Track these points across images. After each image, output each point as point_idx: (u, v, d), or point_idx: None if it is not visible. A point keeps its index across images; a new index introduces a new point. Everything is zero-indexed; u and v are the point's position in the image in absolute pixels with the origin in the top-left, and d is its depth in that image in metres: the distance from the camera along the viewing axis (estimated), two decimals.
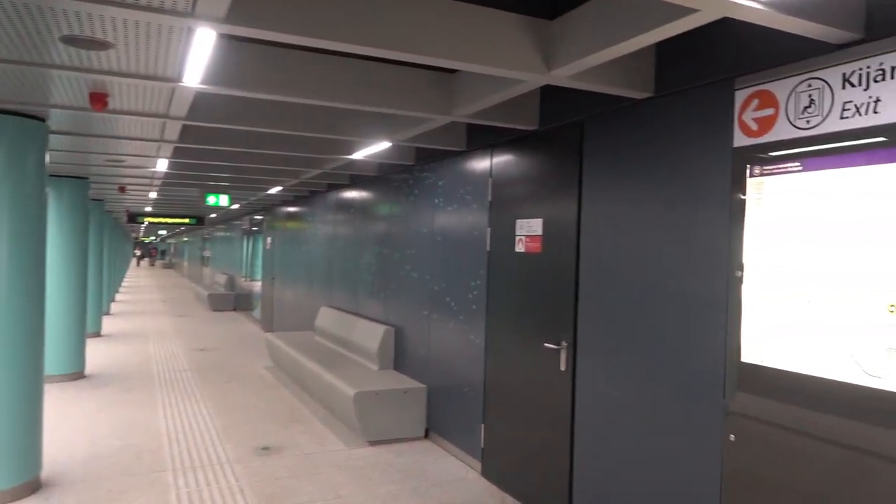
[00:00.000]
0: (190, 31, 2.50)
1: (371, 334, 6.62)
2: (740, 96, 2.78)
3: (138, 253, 57.49)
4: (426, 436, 5.74)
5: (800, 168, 2.51)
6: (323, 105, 4.41)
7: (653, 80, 3.28)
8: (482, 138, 4.89)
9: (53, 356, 7.80)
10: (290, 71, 3.47)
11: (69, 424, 5.91)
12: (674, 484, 3.08)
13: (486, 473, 4.73)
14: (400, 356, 6.32)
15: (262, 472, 4.75)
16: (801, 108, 2.51)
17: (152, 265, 54.09)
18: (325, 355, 7.22)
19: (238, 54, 3.32)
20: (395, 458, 5.15)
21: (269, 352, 9.15)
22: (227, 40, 3.29)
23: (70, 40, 2.66)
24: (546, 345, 4.03)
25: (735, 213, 2.78)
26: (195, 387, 7.63)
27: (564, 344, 3.88)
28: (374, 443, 5.54)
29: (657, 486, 3.18)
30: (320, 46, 2.63)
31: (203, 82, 3.23)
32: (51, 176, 7.87)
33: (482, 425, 4.80)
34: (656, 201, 3.24)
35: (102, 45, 2.70)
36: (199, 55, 2.78)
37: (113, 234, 17.68)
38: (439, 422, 5.52)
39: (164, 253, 62.83)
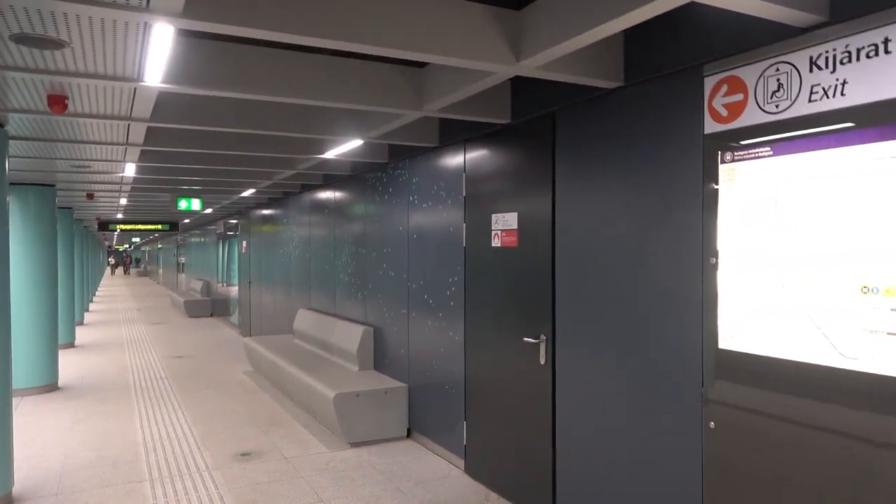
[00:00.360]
0: (147, 26, 2.42)
1: (350, 335, 6.55)
2: (709, 83, 2.77)
3: (112, 261, 56.56)
4: (408, 435, 5.69)
5: (770, 153, 2.51)
6: (292, 103, 4.34)
7: (622, 69, 3.26)
8: (455, 133, 4.85)
9: (24, 369, 7.61)
10: (256, 68, 3.40)
11: (42, 438, 5.76)
12: (656, 473, 3.07)
13: (470, 471, 4.70)
14: (380, 356, 6.26)
15: (242, 479, 4.67)
16: (770, 92, 2.51)
17: (126, 273, 53.21)
18: (304, 358, 7.13)
19: (202, 52, 3.24)
20: (378, 459, 5.09)
21: (247, 356, 9.03)
22: (190, 38, 3.21)
23: (22, 39, 2.57)
24: (525, 339, 4.01)
25: (708, 199, 2.77)
26: (173, 395, 7.50)
27: (543, 338, 3.86)
28: (355, 444, 5.48)
29: (639, 475, 3.17)
30: (286, 41, 2.56)
31: (165, 81, 3.14)
32: (15, 184, 7.67)
33: (464, 422, 4.77)
34: (629, 191, 3.23)
35: (57, 44, 2.61)
36: (158, 52, 2.70)
37: (84, 242, 17.36)
38: (421, 421, 5.48)
39: (138, 261, 61.96)
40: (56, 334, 8.03)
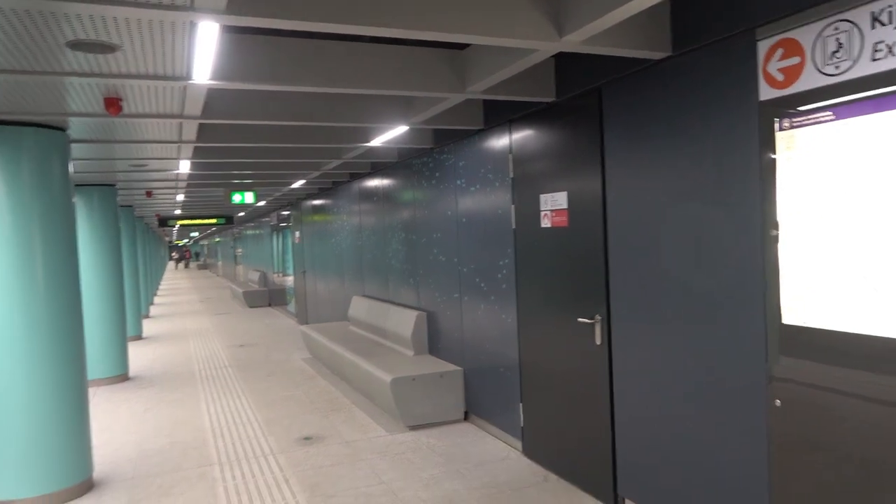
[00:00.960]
0: (192, 25, 2.47)
1: (404, 320, 6.62)
2: (763, 47, 2.65)
3: (175, 256, 58.34)
4: (465, 418, 5.73)
5: (832, 117, 2.39)
6: (336, 93, 4.37)
7: (669, 38, 3.15)
8: (499, 114, 4.80)
9: (98, 360, 8.00)
10: (299, 60, 3.43)
11: (118, 425, 6.06)
12: (719, 453, 3.00)
13: (528, 452, 4.70)
14: (434, 340, 6.31)
15: (306, 462, 4.80)
16: (829, 53, 2.38)
17: (186, 267, 55.03)
18: (360, 344, 7.25)
19: (246, 47, 3.29)
20: (436, 442, 5.15)
21: (305, 344, 9.24)
22: (234, 34, 3.27)
23: (77, 45, 2.66)
24: (579, 319, 3.96)
25: (765, 169, 2.67)
26: (236, 382, 7.75)
27: (598, 317, 3.81)
28: (414, 427, 5.55)
29: (702, 455, 3.11)
30: (326, 31, 2.58)
31: (213, 78, 3.21)
32: (78, 185, 8.02)
33: (520, 404, 4.77)
34: (682, 164, 3.13)
35: (109, 48, 2.70)
36: (204, 50, 2.76)
37: (146, 238, 18.03)
38: (478, 403, 5.50)
39: (198, 255, 63.99)
40: (125, 327, 8.40)
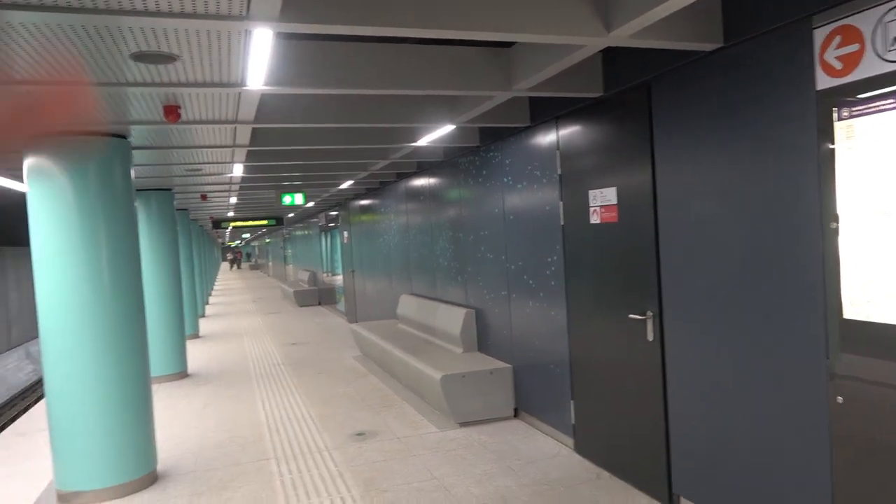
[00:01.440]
0: (248, 33, 2.56)
1: (452, 318, 6.67)
2: (820, 35, 2.58)
3: (230, 257, 59.55)
4: (515, 415, 5.74)
5: (894, 105, 2.31)
6: (383, 94, 4.44)
7: (721, 29, 3.09)
8: (546, 111, 4.79)
9: (158, 358, 8.31)
10: (347, 64, 3.50)
11: (179, 421, 6.29)
12: (779, 451, 2.94)
13: (580, 449, 4.68)
14: (483, 338, 6.33)
15: (360, 458, 4.89)
16: (891, 39, 2.30)
17: (238, 267, 56.29)
18: (409, 342, 7.33)
19: (295, 52, 3.38)
20: (487, 438, 5.18)
21: (355, 342, 9.39)
22: (284, 40, 3.36)
23: (140, 57, 2.78)
24: (631, 316, 3.92)
25: (824, 160, 2.60)
26: (290, 379, 7.94)
27: (650, 314, 3.77)
28: (464, 424, 5.59)
29: (761, 453, 3.05)
30: (375, 35, 2.63)
31: (266, 84, 3.31)
32: (138, 190, 8.33)
33: (571, 401, 4.75)
34: (735, 157, 3.07)
35: (169, 58, 2.81)
36: (258, 57, 2.85)
37: (200, 240, 18.58)
38: (528, 400, 5.50)
39: (249, 255, 65.55)
40: (183, 326, 8.69)
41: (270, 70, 3.30)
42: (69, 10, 2.16)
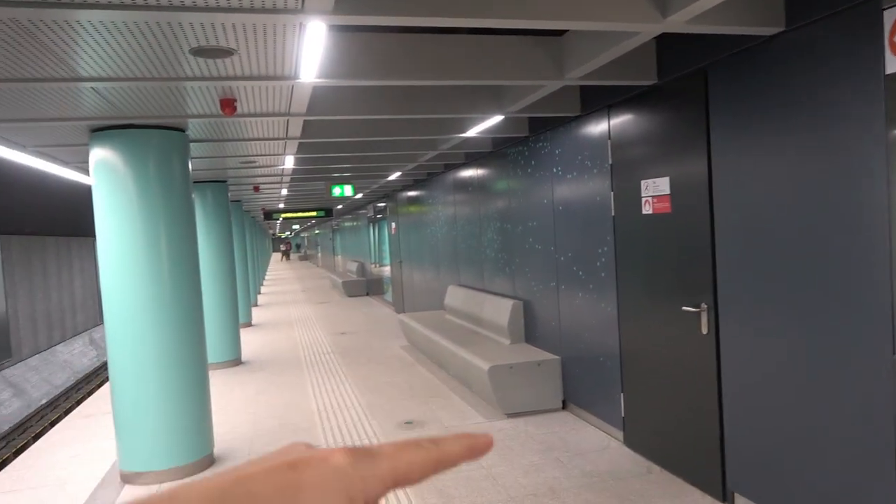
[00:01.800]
0: (302, 27, 2.60)
1: (500, 309, 6.66)
2: (890, 17, 2.46)
3: (283, 248, 59.90)
4: (564, 407, 5.71)
5: None
6: (433, 85, 4.45)
7: (783, 13, 2.98)
8: (598, 100, 4.71)
9: (214, 346, 8.56)
10: (398, 55, 3.52)
11: (233, 407, 6.48)
12: (843, 447, 2.84)
13: (630, 443, 4.63)
14: (531, 329, 6.31)
15: None
16: None
17: (288, 259, 56.92)
18: (456, 332, 7.36)
19: (346, 45, 3.42)
20: (535, 430, 5.17)
21: (403, 332, 9.48)
22: (335, 32, 3.39)
23: (199, 51, 2.86)
24: (684, 308, 3.85)
25: (893, 147, 2.48)
26: (339, 368, 8.08)
27: (704, 306, 3.69)
28: (512, 415, 5.59)
29: (823, 450, 2.95)
30: (426, 25, 2.64)
31: (318, 77, 3.35)
32: (194, 182, 8.58)
33: (621, 394, 4.69)
34: (797, 146, 2.97)
35: (226, 53, 2.88)
36: (312, 50, 2.89)
37: (253, 231, 19.02)
38: (576, 392, 5.46)
39: (298, 246, 66.63)
40: (237, 315, 8.94)
41: (322, 63, 3.35)
42: (134, 7, 2.23)
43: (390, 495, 4.04)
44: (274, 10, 2.35)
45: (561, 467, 4.35)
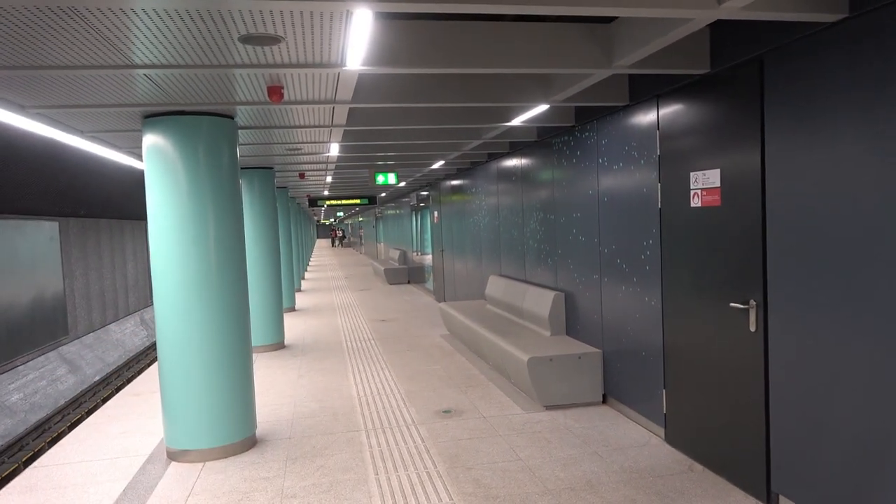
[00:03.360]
0: (349, 13, 2.60)
1: (541, 301, 6.61)
2: None
3: (339, 234, 58.95)
4: (604, 401, 5.64)
5: None
6: (478, 73, 4.41)
7: None
8: (646, 89, 4.60)
9: (258, 329, 8.75)
10: (443, 42, 3.50)
11: (275, 390, 6.61)
12: None
13: (671, 440, 4.54)
14: (572, 321, 6.24)
15: (445, 434, 4.97)
16: None
17: (342, 245, 56.32)
18: (497, 323, 7.34)
19: (392, 32, 3.41)
20: (573, 423, 5.12)
21: (443, 321, 9.51)
22: (379, 19, 3.39)
23: (247, 39, 2.89)
24: (731, 304, 3.74)
25: None
26: (379, 355, 8.16)
27: (753, 303, 3.58)
28: (550, 407, 5.55)
29: (879, 456, 2.84)
30: (474, 12, 2.60)
31: (363, 64, 3.36)
32: (242, 168, 8.74)
33: (664, 390, 4.60)
34: (862, 138, 2.83)
35: (274, 40, 2.91)
36: (358, 37, 2.89)
37: (298, 218, 19.32)
38: (617, 387, 5.39)
39: (343, 233, 67.10)
40: (281, 299, 9.10)
41: (368, 50, 3.35)
42: None
43: (426, 482, 4.07)
44: None
45: (599, 462, 4.30)
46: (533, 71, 3.70)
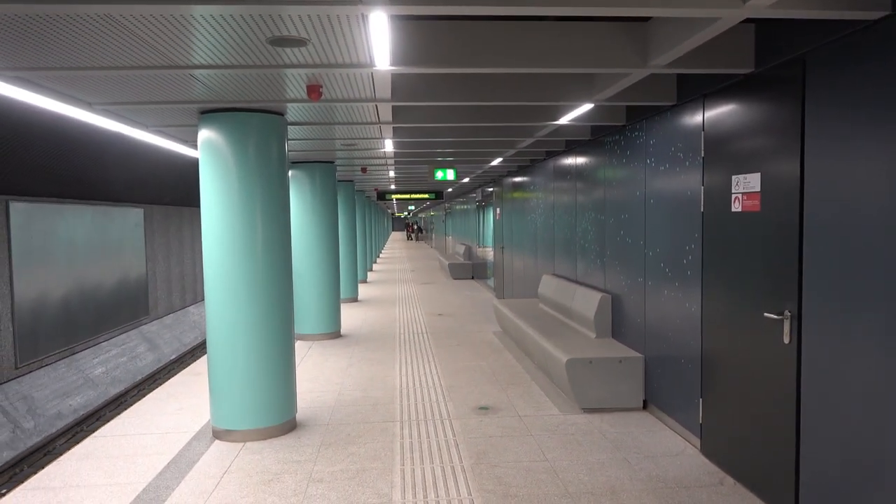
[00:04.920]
0: (364, 17, 2.68)
1: (588, 302, 6.52)
2: None
3: (416, 227, 58.49)
4: (644, 407, 5.52)
5: None
6: (519, 73, 4.40)
7: None
8: (693, 89, 4.46)
9: (315, 318, 9.04)
10: (475, 42, 3.53)
11: (324, 377, 6.84)
12: None
13: (706, 451, 4.41)
14: (617, 324, 6.13)
15: (477, 430, 5.01)
16: None
17: (417, 239, 55.87)
18: (544, 322, 7.30)
19: (426, 33, 3.47)
20: (609, 427, 5.05)
21: (496, 318, 9.53)
22: (411, 20, 3.45)
23: (276, 41, 3.03)
24: (766, 314, 3.60)
25: None
26: (429, 348, 8.27)
27: (787, 313, 3.43)
28: (588, 410, 5.49)
29: None
30: (485, 14, 2.62)
31: (393, 64, 3.43)
32: (304, 162, 9.04)
33: (700, 399, 4.47)
34: None
35: (301, 42, 3.02)
36: (379, 38, 2.97)
37: (366, 210, 19.73)
38: (657, 393, 5.27)
39: (417, 227, 67.61)
40: (338, 290, 9.36)
41: (400, 50, 3.42)
42: (226, 2, 2.40)
43: (449, 476, 4.13)
44: (333, 2, 2.45)
45: (627, 468, 4.23)
46: (569, 70, 3.67)
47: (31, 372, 10.92)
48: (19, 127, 9.44)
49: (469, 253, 19.44)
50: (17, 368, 10.55)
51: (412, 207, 41.19)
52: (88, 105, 4.44)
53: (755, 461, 3.79)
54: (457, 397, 5.97)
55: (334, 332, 9.25)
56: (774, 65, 3.53)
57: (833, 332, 3.10)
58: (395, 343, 8.69)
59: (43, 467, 7.17)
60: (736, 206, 3.95)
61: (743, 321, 3.88)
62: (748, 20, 3.68)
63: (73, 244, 12.46)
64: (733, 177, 3.97)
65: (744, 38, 3.73)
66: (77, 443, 8.28)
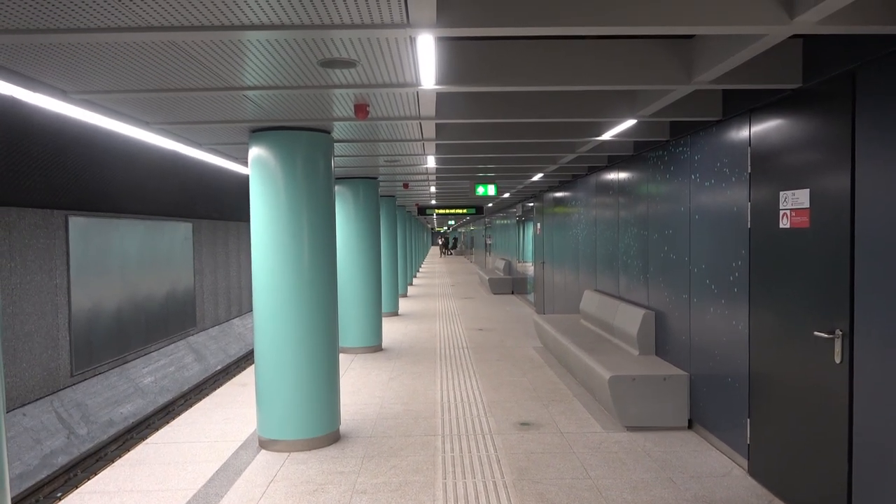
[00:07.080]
0: (412, 39, 2.76)
1: (631, 318, 6.46)
2: None
3: (442, 242, 58.96)
4: (689, 426, 5.43)
5: None
6: (561, 90, 4.44)
7: None
8: (739, 104, 4.43)
9: (357, 332, 9.16)
10: (520, 61, 3.59)
11: (366, 390, 6.92)
12: None
13: (754, 472, 4.32)
14: (661, 342, 6.06)
15: (519, 446, 5.00)
16: None
17: (450, 254, 56.16)
18: (586, 338, 7.25)
19: (469, 53, 3.54)
20: (653, 446, 4.98)
21: (537, 333, 9.49)
22: (456, 41, 3.53)
23: (327, 63, 3.14)
24: (816, 333, 3.52)
25: None
26: (470, 363, 8.29)
27: (839, 333, 3.35)
28: (631, 428, 5.43)
29: None
30: (530, 34, 2.68)
31: (438, 83, 3.52)
32: (347, 178, 9.22)
33: (748, 419, 4.38)
34: None
35: (350, 64, 3.13)
36: (426, 59, 3.05)
37: (406, 225, 19.92)
38: (703, 412, 5.17)
39: (456, 241, 67.78)
40: (380, 304, 9.47)
41: (444, 70, 3.50)
42: (282, 27, 2.52)
43: (490, 491, 4.13)
44: (384, 26, 2.54)
45: (672, 488, 4.17)
46: (614, 87, 3.69)
47: (85, 380, 11.33)
48: (80, 146, 9.89)
49: (509, 268, 19.41)
50: (72, 376, 10.96)
51: (452, 222, 41.32)
52: (146, 124, 4.65)
53: (805, 484, 3.70)
54: (498, 412, 5.97)
55: (376, 346, 9.35)
56: (823, 80, 3.48)
57: (887, 351, 3.02)
58: (435, 357, 8.73)
59: (97, 472, 7.42)
60: (784, 223, 3.89)
61: (792, 340, 3.81)
62: (795, 35, 3.66)
63: (126, 257, 12.93)
64: (781, 193, 3.92)
65: (791, 53, 3.69)
66: (129, 449, 8.54)
